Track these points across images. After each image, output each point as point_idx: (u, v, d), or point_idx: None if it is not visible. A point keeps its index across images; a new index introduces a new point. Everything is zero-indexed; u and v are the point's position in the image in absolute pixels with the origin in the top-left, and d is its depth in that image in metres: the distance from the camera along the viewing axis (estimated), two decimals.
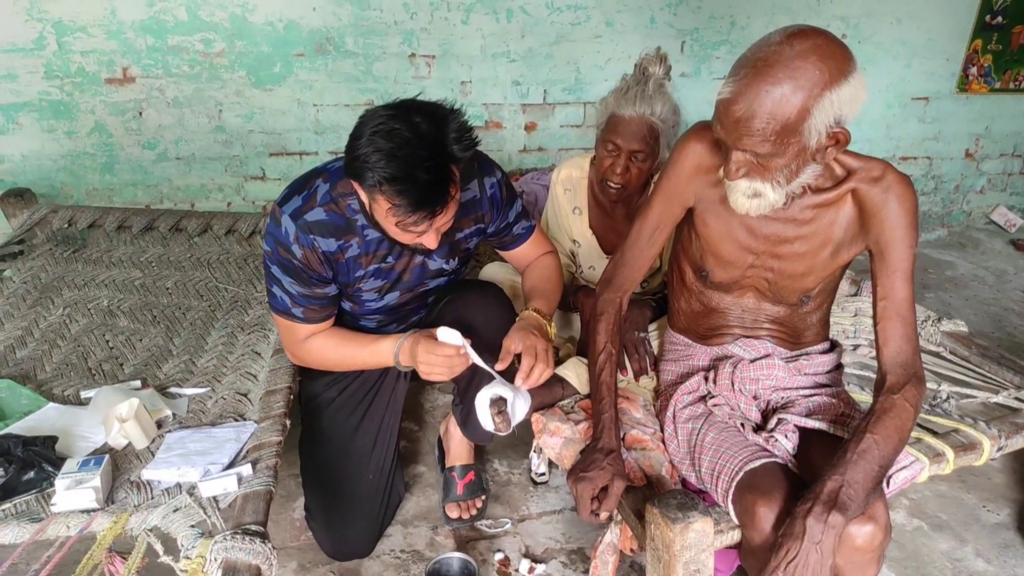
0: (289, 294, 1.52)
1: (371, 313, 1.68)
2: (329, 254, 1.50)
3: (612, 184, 1.84)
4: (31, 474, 1.29)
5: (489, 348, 1.60)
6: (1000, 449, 1.59)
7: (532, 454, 2.10)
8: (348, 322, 1.70)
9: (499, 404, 1.48)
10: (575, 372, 1.71)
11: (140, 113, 2.77)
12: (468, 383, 1.66)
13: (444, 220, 1.40)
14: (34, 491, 1.29)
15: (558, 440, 1.58)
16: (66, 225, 2.38)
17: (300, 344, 1.61)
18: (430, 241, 1.42)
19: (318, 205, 1.47)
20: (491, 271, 2.03)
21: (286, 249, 1.47)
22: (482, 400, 1.48)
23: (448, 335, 1.47)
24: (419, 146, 1.27)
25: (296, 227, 1.46)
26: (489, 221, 1.66)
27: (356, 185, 1.37)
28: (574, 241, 2.06)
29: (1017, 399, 1.73)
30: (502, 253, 1.82)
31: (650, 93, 1.76)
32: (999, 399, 1.74)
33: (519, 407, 1.50)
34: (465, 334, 1.48)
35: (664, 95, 1.79)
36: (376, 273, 1.58)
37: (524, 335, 1.50)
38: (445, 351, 1.46)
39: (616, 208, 1.98)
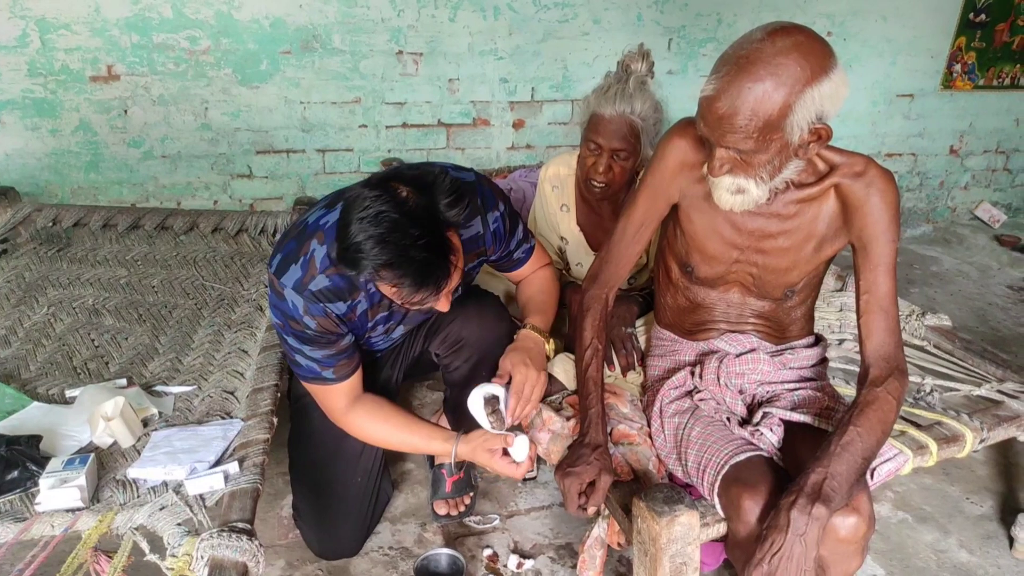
0: (314, 359, 1.47)
1: (378, 348, 1.69)
2: (342, 316, 1.46)
3: (595, 183, 1.85)
4: (15, 473, 1.28)
5: (486, 361, 1.61)
6: (982, 441, 1.61)
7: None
8: None
9: (492, 403, 1.49)
10: (562, 368, 1.72)
11: (125, 111, 2.76)
12: (461, 386, 1.66)
13: (452, 287, 1.35)
14: (18, 490, 1.28)
15: (546, 436, 1.58)
16: (50, 224, 2.37)
17: (342, 416, 1.56)
18: (442, 306, 1.39)
19: (319, 272, 1.40)
20: (483, 281, 2.02)
21: (297, 322, 1.42)
22: (475, 399, 1.49)
23: (519, 453, 1.51)
24: (411, 225, 1.23)
25: (304, 300, 1.40)
26: (492, 252, 1.65)
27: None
28: (562, 238, 2.06)
29: (999, 392, 1.75)
30: (500, 273, 1.82)
31: (630, 91, 1.76)
32: (982, 392, 1.76)
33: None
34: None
35: (644, 93, 1.78)
36: (384, 320, 1.57)
37: (520, 365, 1.50)
38: (520, 469, 1.52)
39: (603, 205, 1.98)
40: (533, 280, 1.77)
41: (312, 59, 2.88)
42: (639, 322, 1.84)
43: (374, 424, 1.57)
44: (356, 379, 1.56)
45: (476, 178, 1.57)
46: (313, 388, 1.54)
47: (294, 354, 1.48)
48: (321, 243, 1.40)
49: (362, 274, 1.25)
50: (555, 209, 2.05)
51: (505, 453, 1.52)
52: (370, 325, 1.55)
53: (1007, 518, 1.98)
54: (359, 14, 2.87)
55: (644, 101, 1.77)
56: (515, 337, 1.61)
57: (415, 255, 1.23)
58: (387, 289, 1.30)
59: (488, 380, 1.55)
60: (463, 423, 1.70)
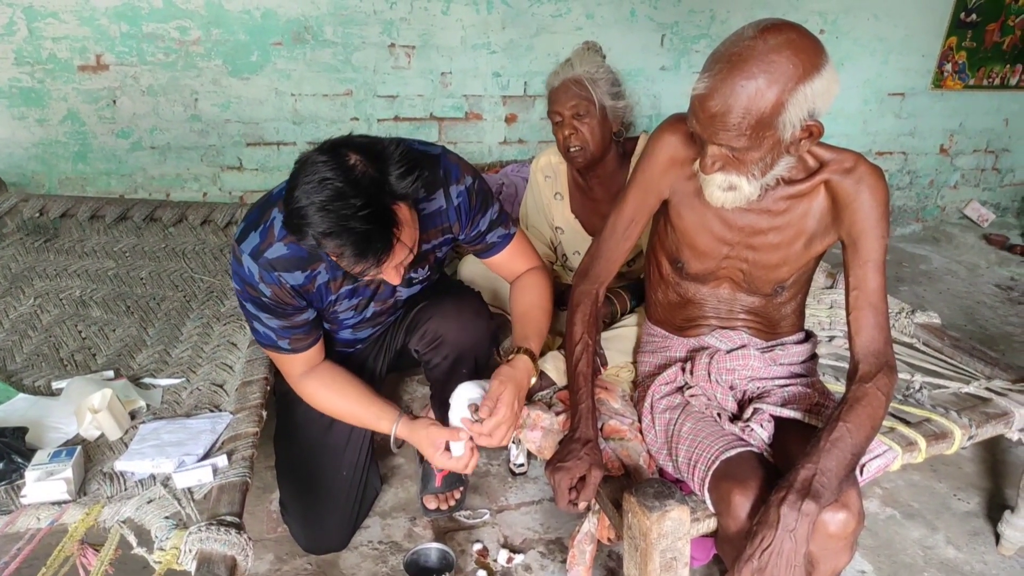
0: (270, 328, 1.47)
1: (349, 327, 1.67)
2: (298, 287, 1.45)
3: (572, 149, 1.88)
4: (0, 465, 1.27)
5: (465, 358, 1.60)
6: (971, 438, 1.62)
7: (511, 445, 2.10)
8: (327, 337, 1.66)
9: (476, 402, 1.49)
10: (553, 364, 1.71)
11: (114, 101, 2.73)
12: (443, 382, 1.65)
13: (397, 261, 1.32)
14: (3, 483, 1.27)
15: (538, 434, 1.58)
16: (37, 214, 2.34)
17: (298, 381, 1.57)
18: (391, 278, 1.36)
19: (276, 240, 1.39)
20: (469, 271, 2.01)
21: (253, 288, 1.42)
22: (458, 400, 1.49)
23: (457, 449, 1.49)
24: (353, 195, 1.20)
25: (259, 267, 1.40)
26: (458, 230, 1.60)
27: None
28: (556, 228, 2.07)
29: (988, 389, 1.76)
30: (480, 259, 1.80)
31: (571, 59, 1.87)
32: (970, 389, 1.77)
33: None
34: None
35: (583, 56, 1.87)
36: (350, 293, 1.55)
37: (509, 401, 1.46)
38: (457, 463, 1.50)
39: (595, 187, 1.99)
40: (527, 289, 1.69)
41: (303, 51, 2.86)
42: (631, 318, 1.84)
43: (327, 394, 1.58)
44: (313, 352, 1.56)
45: (442, 151, 1.54)
46: (269, 353, 1.56)
47: (252, 320, 1.49)
48: (281, 211, 1.37)
49: (305, 241, 1.25)
50: (549, 199, 2.05)
51: (448, 448, 1.50)
52: (333, 298, 1.53)
53: (994, 515, 2.00)
54: (351, 6, 2.85)
55: (583, 63, 1.85)
56: (509, 359, 1.55)
57: (355, 225, 1.20)
58: (334, 256, 1.28)
59: (470, 378, 1.55)
60: (449, 416, 1.69)
